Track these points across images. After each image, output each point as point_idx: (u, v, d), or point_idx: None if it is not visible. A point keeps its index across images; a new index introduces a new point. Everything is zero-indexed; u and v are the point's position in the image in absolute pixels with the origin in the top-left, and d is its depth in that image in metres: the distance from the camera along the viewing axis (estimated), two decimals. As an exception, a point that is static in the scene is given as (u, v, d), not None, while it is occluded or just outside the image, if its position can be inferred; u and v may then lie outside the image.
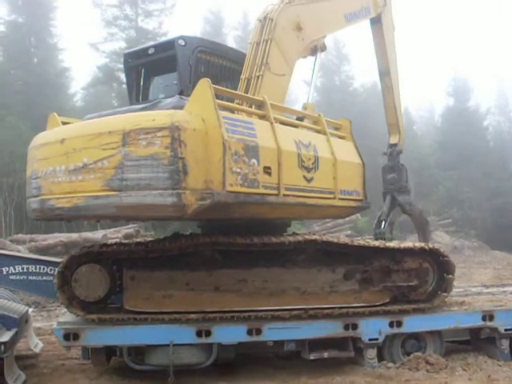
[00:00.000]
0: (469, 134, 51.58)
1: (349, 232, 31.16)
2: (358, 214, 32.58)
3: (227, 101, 8.34)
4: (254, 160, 7.57)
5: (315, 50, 10.85)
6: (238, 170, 7.35)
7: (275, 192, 7.91)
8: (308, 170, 8.50)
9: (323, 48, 11.10)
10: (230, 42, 43.76)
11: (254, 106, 8.73)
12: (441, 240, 38.03)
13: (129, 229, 24.55)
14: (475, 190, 47.29)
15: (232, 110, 8.08)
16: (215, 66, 9.99)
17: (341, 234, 29.10)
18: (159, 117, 7.20)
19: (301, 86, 38.54)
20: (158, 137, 6.99)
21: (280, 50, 9.81)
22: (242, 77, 9.68)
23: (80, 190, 7.27)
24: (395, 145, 12.89)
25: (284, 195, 8.01)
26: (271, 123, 8.21)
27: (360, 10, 11.97)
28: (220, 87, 8.00)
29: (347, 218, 31.40)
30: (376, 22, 12.78)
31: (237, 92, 8.62)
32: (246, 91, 9.35)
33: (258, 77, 9.48)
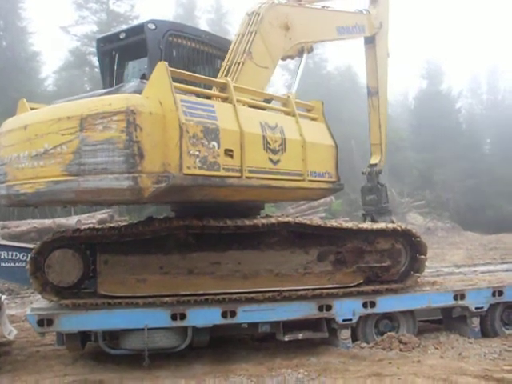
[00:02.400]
0: (442, 116, 52.03)
1: (323, 214, 31.25)
2: (333, 197, 32.76)
3: (193, 84, 8.33)
4: (214, 142, 7.56)
5: (302, 51, 10.89)
6: (197, 153, 7.33)
7: (238, 174, 7.89)
8: (274, 152, 8.48)
9: (310, 50, 11.12)
10: (203, 25, 43.44)
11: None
12: (414, 221, 38.50)
13: (103, 214, 24.40)
14: (448, 171, 47.78)
15: (194, 93, 8.04)
16: (188, 49, 9.88)
17: (315, 216, 29.20)
18: (115, 101, 7.17)
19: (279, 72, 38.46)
20: (113, 121, 6.98)
21: (264, 43, 9.81)
22: (224, 64, 9.66)
23: (41, 176, 7.24)
24: (375, 165, 12.79)
25: (247, 177, 8.00)
26: (234, 105, 8.18)
27: (354, 27, 12.02)
28: (178, 70, 7.93)
29: (321, 201, 31.62)
30: (370, 42, 12.85)
31: (196, 75, 8.56)
32: (227, 77, 9.30)
33: (239, 63, 9.47)
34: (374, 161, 12.87)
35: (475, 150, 53.57)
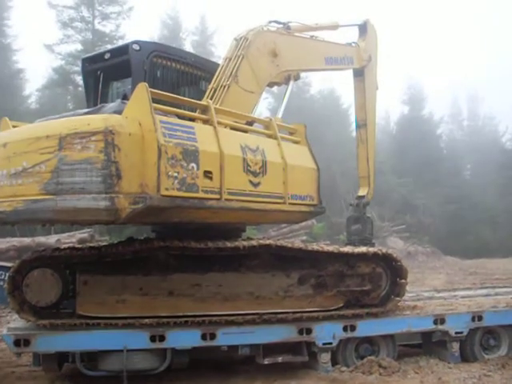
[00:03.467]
0: (423, 141, 52.48)
1: (304, 237, 31.22)
2: (314, 220, 32.81)
3: (176, 106, 8.37)
4: (193, 164, 7.54)
5: (288, 78, 11.00)
6: (175, 174, 7.32)
7: (217, 196, 7.87)
8: (255, 174, 8.47)
9: (297, 78, 11.26)
10: (188, 47, 43.67)
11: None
12: (395, 245, 38.50)
13: (83, 233, 24.19)
14: (429, 196, 48.09)
15: (174, 115, 8.07)
16: (172, 71, 9.93)
17: (296, 239, 29.20)
18: (94, 121, 7.16)
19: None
20: (92, 141, 6.95)
21: (251, 68, 9.91)
22: (210, 86, 9.72)
23: (20, 194, 7.18)
24: (363, 197, 12.90)
25: (226, 199, 7.97)
26: (214, 127, 8.18)
27: (342, 58, 12.19)
28: (158, 91, 7.95)
29: (303, 224, 31.63)
30: (359, 74, 13.04)
31: (177, 96, 8.55)
32: (212, 100, 9.33)
33: (224, 86, 9.53)
34: (361, 193, 12.98)
35: (456, 176, 54.03)
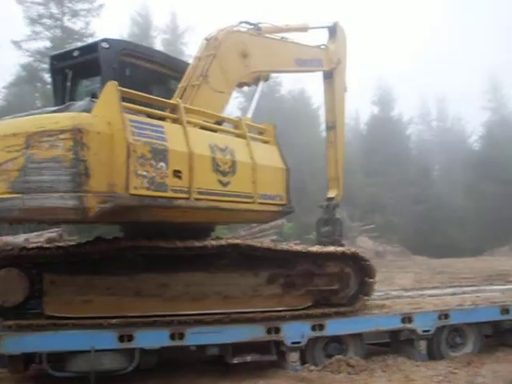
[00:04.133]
0: (392, 142, 52.91)
1: (274, 237, 31.18)
2: (284, 220, 32.84)
3: (146, 105, 8.33)
4: (162, 163, 7.55)
5: (258, 79, 11.05)
6: (144, 173, 7.33)
7: (186, 196, 7.88)
8: (224, 174, 8.49)
9: (267, 79, 11.34)
10: (158, 45, 43.46)
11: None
12: (364, 245, 38.82)
13: (52, 233, 23.89)
14: (398, 196, 48.51)
15: (144, 113, 8.06)
16: (142, 69, 9.85)
17: (266, 238, 29.18)
18: (62, 119, 7.14)
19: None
20: (60, 139, 6.93)
21: (221, 68, 9.92)
22: (180, 85, 9.71)
23: None
24: (332, 199, 12.95)
25: (196, 199, 8.00)
26: (183, 127, 8.18)
27: (312, 60, 12.25)
28: (128, 90, 7.91)
29: (273, 223, 31.60)
30: (328, 77, 13.07)
31: (146, 95, 8.51)
32: (182, 99, 9.30)
33: (194, 86, 9.55)
34: (331, 194, 13.02)
35: (424, 176, 54.44)
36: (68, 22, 37.55)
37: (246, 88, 11.77)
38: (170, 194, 7.67)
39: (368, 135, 56.96)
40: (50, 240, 22.77)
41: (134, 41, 30.55)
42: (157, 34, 46.93)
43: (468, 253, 43.39)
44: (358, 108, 63.87)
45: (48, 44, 36.10)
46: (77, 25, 37.94)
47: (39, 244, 11.42)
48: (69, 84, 10.07)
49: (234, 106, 47.20)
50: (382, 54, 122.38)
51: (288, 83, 51.65)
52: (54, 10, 37.20)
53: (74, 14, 37.82)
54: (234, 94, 29.57)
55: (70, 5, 37.71)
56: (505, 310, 10.45)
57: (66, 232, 25.24)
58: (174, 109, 8.53)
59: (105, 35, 9.63)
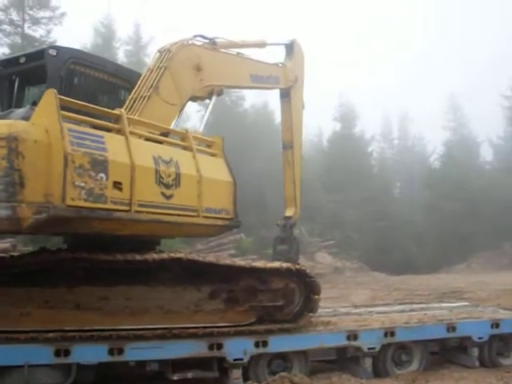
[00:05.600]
0: (354, 159, 53.09)
1: (233, 251, 31.13)
2: (242, 234, 32.77)
3: (90, 115, 8.18)
4: (101, 174, 7.42)
5: (212, 93, 10.96)
6: (82, 184, 7.20)
7: (126, 208, 7.76)
8: (167, 186, 8.37)
9: (220, 93, 11.20)
10: (121, 57, 43.08)
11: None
12: (323, 261, 38.85)
13: (5, 243, 23.46)
14: (358, 213, 48.64)
15: (84, 123, 7.90)
16: (92, 78, 9.68)
17: (224, 253, 29.08)
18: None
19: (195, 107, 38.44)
20: None
21: (173, 80, 9.82)
22: (130, 96, 9.56)
23: None
24: (290, 217, 12.88)
25: (136, 211, 7.88)
26: (126, 137, 8.06)
27: (268, 77, 12.16)
28: (68, 99, 7.77)
29: (231, 238, 31.60)
30: (285, 95, 12.99)
31: (87, 104, 8.31)
32: (131, 110, 9.18)
33: (144, 97, 9.40)
34: (288, 213, 12.94)
35: (385, 193, 54.81)
36: (28, 29, 37.01)
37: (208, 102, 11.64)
38: (109, 205, 7.54)
39: (330, 151, 57.15)
40: (2, 250, 22.34)
41: (97, 52, 30.37)
42: (120, 45, 46.54)
43: (426, 270, 43.76)
44: (321, 124, 64.08)
45: (7, 51, 35.40)
46: (37, 32, 37.36)
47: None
48: (15, 91, 9.88)
49: (196, 120, 47.09)
50: (344, 69, 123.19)
51: (251, 97, 51.56)
52: (15, 16, 36.59)
53: (35, 22, 37.19)
54: (197, 107, 29.10)
55: (31, 12, 37.09)
56: (451, 328, 10.51)
57: (21, 242, 24.79)
58: (117, 119, 8.39)
59: (66, 44, 9.44)
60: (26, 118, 7.36)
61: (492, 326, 10.83)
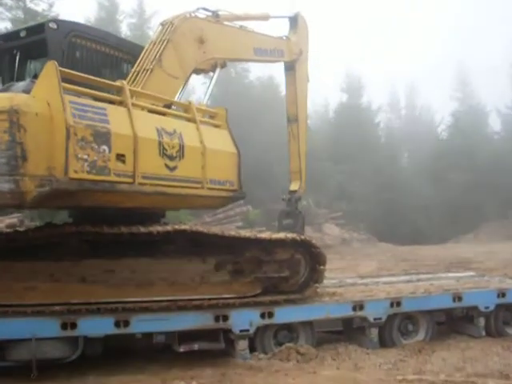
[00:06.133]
0: (361, 129, 52.81)
1: (240, 224, 31.13)
2: (250, 206, 32.75)
3: (93, 88, 8.12)
4: (104, 147, 7.40)
5: (215, 66, 10.97)
6: (85, 157, 7.17)
7: (130, 180, 7.74)
8: (171, 158, 8.34)
9: (223, 66, 11.21)
10: (124, 30, 42.78)
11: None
12: (330, 232, 38.93)
13: (12, 218, 23.57)
14: (365, 184, 48.53)
15: (86, 95, 7.84)
16: (94, 52, 9.60)
17: (232, 225, 29.10)
18: (0, 100, 6.94)
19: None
20: None
21: (176, 53, 9.75)
22: (133, 69, 9.50)
23: None
24: (295, 192, 12.88)
25: (140, 184, 7.86)
26: (128, 109, 8.01)
27: (272, 50, 12.08)
28: (69, 71, 7.72)
29: (238, 210, 31.60)
30: (290, 68, 12.94)
31: (89, 76, 8.26)
32: (134, 83, 9.12)
33: (148, 70, 9.35)
34: (293, 187, 12.95)
35: (393, 164, 54.59)
36: (30, 3, 36.63)
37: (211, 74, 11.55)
38: (112, 178, 7.52)
39: (336, 122, 56.84)
40: (10, 225, 22.43)
41: (101, 25, 30.11)
42: (123, 18, 46.16)
43: (434, 240, 43.80)
44: (328, 95, 63.68)
45: (9, 25, 35.20)
46: (39, 6, 36.95)
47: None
48: (17, 65, 9.82)
49: (202, 93, 46.81)
50: (352, 39, 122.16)
51: (256, 69, 51.19)
52: (16, -10, 36.33)
53: (37, -5, 36.92)
54: (202, 79, 28.83)
55: (32, -15, 36.82)
56: (457, 298, 10.49)
57: (28, 217, 24.87)
58: (119, 91, 8.33)
59: (69, 18, 9.35)
60: (27, 91, 7.31)
61: (498, 296, 10.81)
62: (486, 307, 10.66)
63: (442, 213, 51.40)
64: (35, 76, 8.14)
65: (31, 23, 9.75)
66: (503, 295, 10.82)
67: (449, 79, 68.83)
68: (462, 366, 8.94)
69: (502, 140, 60.78)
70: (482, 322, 10.70)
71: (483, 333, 10.69)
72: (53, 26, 9.02)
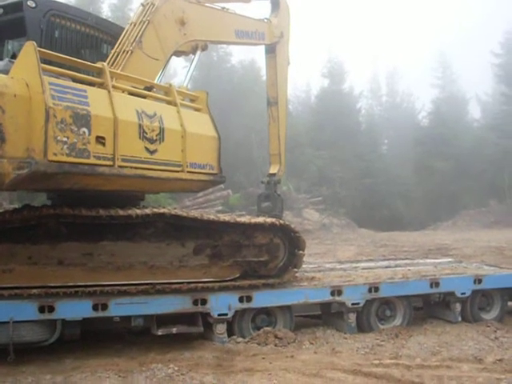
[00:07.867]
0: (342, 115, 52.96)
1: (220, 208, 31.16)
2: (229, 190, 32.77)
3: (72, 69, 8.05)
4: (84, 129, 7.32)
5: (196, 48, 10.84)
6: (65, 139, 7.10)
7: (109, 163, 7.68)
8: (151, 141, 8.28)
9: (204, 48, 11.07)
10: (106, 11, 42.43)
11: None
12: (310, 217, 39.07)
13: (-9, 201, 23.38)
14: (346, 169, 48.72)
15: (65, 77, 7.77)
16: (73, 32, 9.47)
17: (212, 209, 29.11)
18: None
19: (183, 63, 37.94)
20: None
21: (157, 34, 9.67)
22: (113, 51, 9.41)
23: None
24: (274, 174, 12.89)
25: (120, 166, 7.80)
26: (108, 91, 7.93)
27: (253, 32, 12.04)
28: (48, 51, 7.66)
29: (218, 194, 31.61)
30: (270, 51, 12.93)
31: (68, 57, 8.18)
32: (113, 65, 9.04)
33: (127, 52, 9.26)
34: (273, 170, 12.98)
35: (373, 150, 54.85)
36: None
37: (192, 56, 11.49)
38: (92, 160, 7.46)
39: (318, 108, 56.89)
40: (-13, 208, 22.22)
41: (81, 5, 29.79)
42: (104, -1, 45.74)
43: (413, 227, 44.22)
44: (309, 80, 63.65)
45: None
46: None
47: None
48: None
49: (183, 76, 46.55)
50: (334, 24, 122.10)
51: (239, 53, 51.01)
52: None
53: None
54: (184, 63, 28.72)
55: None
56: (434, 283, 10.56)
57: (7, 200, 24.68)
58: (99, 73, 8.25)
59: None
60: (5, 72, 7.21)
61: (475, 282, 10.90)
62: (463, 293, 10.74)
63: (422, 199, 51.86)
64: (13, 56, 8.03)
65: (8, 0, 9.58)
66: (480, 281, 10.92)
67: (429, 65, 68.75)
68: (438, 350, 9.07)
69: (482, 127, 61.22)
70: (458, 307, 10.79)
71: (459, 318, 10.79)
72: (31, 3, 8.85)
